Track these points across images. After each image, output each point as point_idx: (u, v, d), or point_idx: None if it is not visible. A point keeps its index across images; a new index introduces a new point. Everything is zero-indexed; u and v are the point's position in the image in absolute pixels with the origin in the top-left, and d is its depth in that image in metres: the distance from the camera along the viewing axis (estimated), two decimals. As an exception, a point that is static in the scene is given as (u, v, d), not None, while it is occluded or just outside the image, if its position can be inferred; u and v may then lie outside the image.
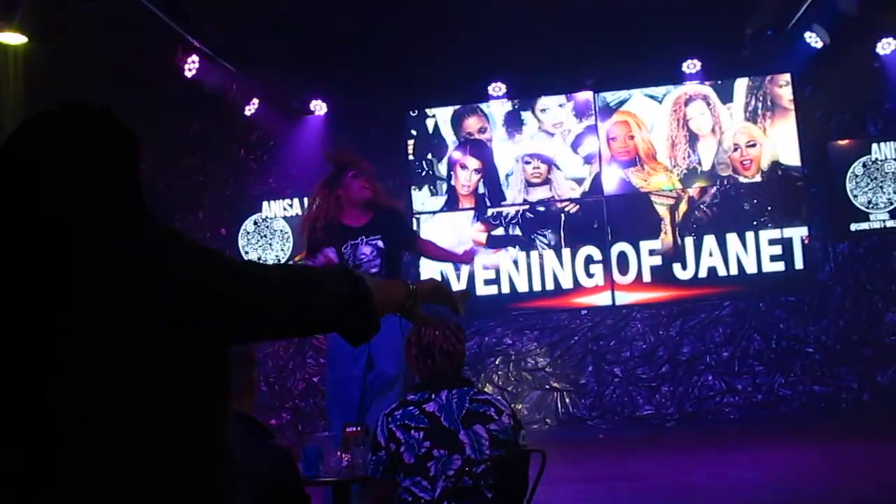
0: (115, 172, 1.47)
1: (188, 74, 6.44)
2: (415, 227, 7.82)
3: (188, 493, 1.40)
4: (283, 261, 8.34)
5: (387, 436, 3.02)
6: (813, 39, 7.17)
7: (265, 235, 8.48)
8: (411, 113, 8.45)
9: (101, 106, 1.50)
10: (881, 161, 7.89)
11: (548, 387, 8.20)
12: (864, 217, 7.91)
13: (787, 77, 8.02)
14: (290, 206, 8.47)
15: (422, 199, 8.38)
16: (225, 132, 8.62)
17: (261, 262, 1.57)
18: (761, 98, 8.09)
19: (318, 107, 8.29)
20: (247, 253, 8.42)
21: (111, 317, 1.36)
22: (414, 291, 1.75)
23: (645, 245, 8.03)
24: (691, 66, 7.93)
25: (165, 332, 1.37)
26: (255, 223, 8.50)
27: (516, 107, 8.35)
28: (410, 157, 8.42)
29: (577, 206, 8.19)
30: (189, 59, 6.36)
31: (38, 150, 1.43)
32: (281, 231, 8.46)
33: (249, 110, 7.74)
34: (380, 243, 4.90)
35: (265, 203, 8.50)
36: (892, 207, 7.87)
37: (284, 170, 8.59)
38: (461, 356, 3.17)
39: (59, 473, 1.34)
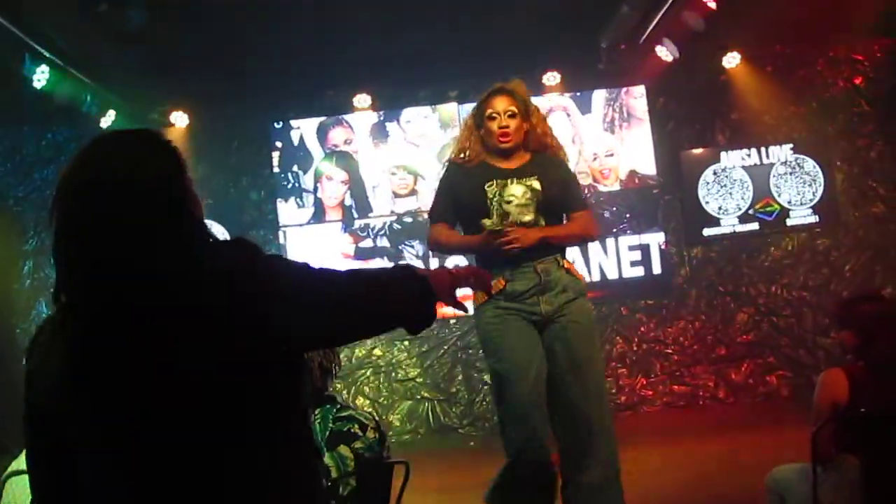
0: (178, 189, 1.59)
1: (37, 85, 6.16)
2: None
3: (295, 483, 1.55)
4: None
5: None
6: (664, 53, 7.47)
7: (125, 252, 8.16)
8: (276, 125, 8.34)
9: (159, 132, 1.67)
10: (729, 169, 8.29)
11: (419, 397, 8.23)
12: (716, 222, 8.30)
13: (641, 89, 8.34)
14: (152, 220, 8.20)
15: (288, 211, 8.28)
16: (80, 144, 8.25)
17: (327, 269, 1.61)
18: (618, 109, 8.37)
19: (179, 118, 8.08)
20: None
21: (203, 328, 1.46)
22: (457, 278, 1.86)
23: (511, 253, 8.16)
24: (551, 78, 8.13)
25: (246, 343, 1.47)
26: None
27: (381, 118, 8.37)
28: (276, 170, 8.31)
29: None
30: (38, 70, 6.08)
31: (114, 169, 1.58)
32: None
33: (105, 122, 7.47)
34: (535, 183, 3.71)
35: (124, 218, 8.19)
36: (740, 213, 8.28)
37: (144, 184, 8.31)
38: (334, 375, 3.12)
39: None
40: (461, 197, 3.84)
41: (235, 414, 1.47)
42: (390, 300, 1.65)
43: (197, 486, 1.45)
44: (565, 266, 3.74)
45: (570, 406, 3.65)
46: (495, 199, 3.70)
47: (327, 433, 2.95)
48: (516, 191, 3.68)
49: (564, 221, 3.83)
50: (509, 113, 3.78)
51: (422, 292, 1.69)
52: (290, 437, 1.56)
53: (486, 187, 3.72)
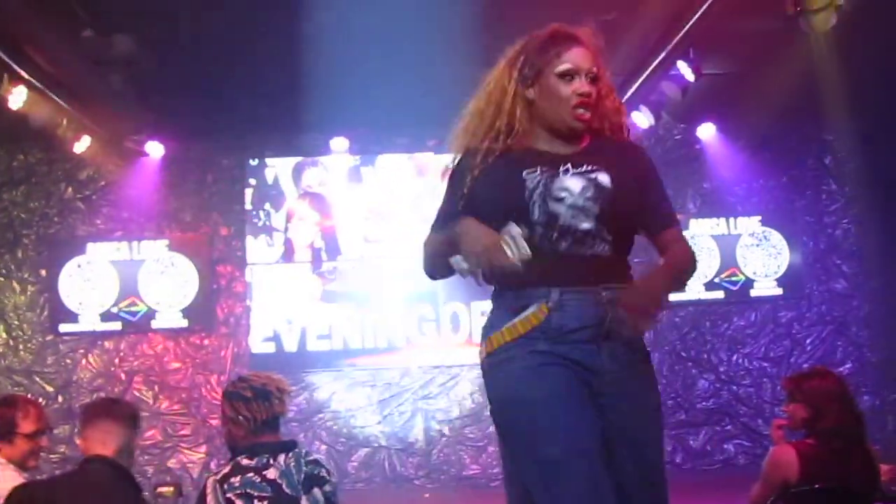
0: None
1: (13, 106, 6.12)
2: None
3: None
4: (107, 307, 7.99)
5: None
6: (640, 119, 7.58)
7: (89, 279, 8.07)
8: (251, 162, 8.34)
9: None
10: (698, 237, 8.39)
11: (376, 445, 8.14)
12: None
13: (616, 152, 8.43)
14: (118, 249, 8.13)
15: (257, 249, 8.24)
16: (52, 168, 8.25)
17: None
18: (592, 170, 8.45)
19: (155, 148, 8.05)
20: (68, 297, 8.00)
21: None
22: None
23: (476, 306, 8.15)
24: (529, 134, 8.19)
25: None
26: (79, 265, 8.09)
27: (358, 162, 8.40)
28: (248, 207, 8.29)
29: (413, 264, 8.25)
30: (14, 90, 6.04)
31: None
32: (106, 275, 8.07)
33: (79, 147, 7.42)
34: (603, 177, 2.34)
35: (90, 245, 8.12)
36: (706, 280, 8.36)
37: (114, 212, 8.27)
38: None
39: None
40: (484, 191, 2.41)
41: None
42: None
43: None
44: None
45: None
46: (537, 194, 2.32)
47: (302, 476, 3.01)
48: (572, 185, 2.32)
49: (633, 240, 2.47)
50: (592, 75, 2.40)
51: None
52: None
53: (524, 174, 2.35)
